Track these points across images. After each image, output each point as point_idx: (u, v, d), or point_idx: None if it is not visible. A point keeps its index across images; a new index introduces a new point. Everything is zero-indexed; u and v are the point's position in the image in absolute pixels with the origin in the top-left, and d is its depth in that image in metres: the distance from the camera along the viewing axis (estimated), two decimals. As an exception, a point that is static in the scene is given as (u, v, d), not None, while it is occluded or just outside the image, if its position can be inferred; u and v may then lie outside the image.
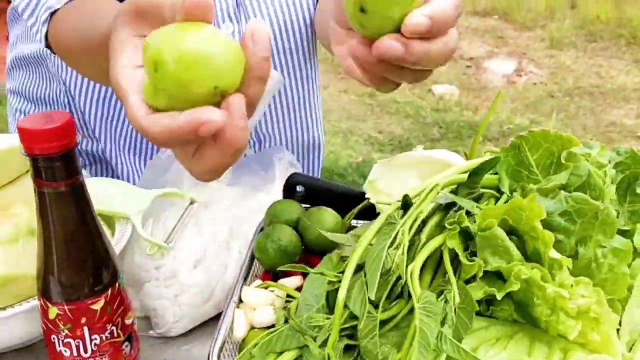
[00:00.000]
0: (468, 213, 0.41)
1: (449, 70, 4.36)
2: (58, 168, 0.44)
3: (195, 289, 0.62)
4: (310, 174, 0.93)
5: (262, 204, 0.65)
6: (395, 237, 0.39)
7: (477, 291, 0.40)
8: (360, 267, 0.42)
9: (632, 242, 0.47)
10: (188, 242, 0.63)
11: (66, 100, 0.85)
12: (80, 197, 0.47)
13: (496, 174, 0.49)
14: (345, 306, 0.39)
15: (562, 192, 0.43)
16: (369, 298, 0.38)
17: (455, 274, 0.40)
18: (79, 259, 0.47)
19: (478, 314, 0.42)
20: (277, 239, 0.55)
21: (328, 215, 0.57)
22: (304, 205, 0.62)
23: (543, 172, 0.47)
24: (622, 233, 0.48)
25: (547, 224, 0.42)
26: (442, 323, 0.36)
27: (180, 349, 0.62)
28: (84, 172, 0.67)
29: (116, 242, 0.60)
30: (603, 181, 0.46)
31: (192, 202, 0.66)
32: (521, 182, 0.47)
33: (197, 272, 0.63)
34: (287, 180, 0.64)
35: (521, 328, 0.41)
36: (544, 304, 0.40)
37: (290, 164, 0.75)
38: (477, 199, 0.45)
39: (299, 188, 0.64)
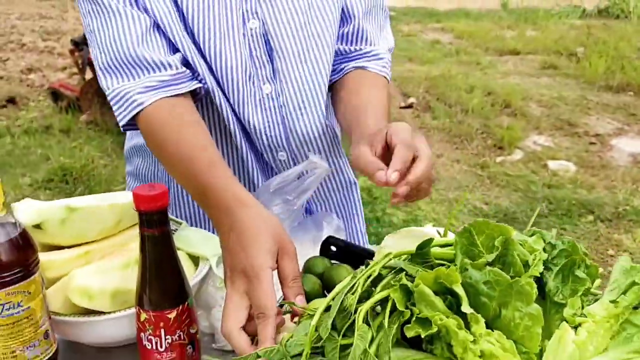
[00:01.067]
0: (413, 276, 0.58)
1: (571, 146, 4.30)
2: (154, 221, 0.68)
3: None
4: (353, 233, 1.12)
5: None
6: (353, 286, 0.57)
7: (410, 330, 0.56)
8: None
9: (562, 311, 0.61)
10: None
11: (166, 178, 1.09)
12: (167, 241, 0.70)
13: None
14: (317, 330, 0.57)
15: (487, 267, 0.58)
16: (331, 326, 0.56)
17: (398, 318, 0.57)
18: (162, 282, 0.71)
19: (419, 349, 0.58)
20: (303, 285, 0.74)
21: (343, 270, 0.75)
22: (333, 262, 0.81)
23: (487, 251, 0.63)
24: (559, 305, 0.62)
25: (474, 289, 0.58)
26: (370, 345, 0.53)
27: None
28: (185, 223, 0.93)
29: (197, 274, 0.84)
30: (528, 262, 0.60)
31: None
32: (472, 257, 0.63)
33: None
34: (323, 242, 0.84)
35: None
36: (458, 345, 0.55)
37: (337, 227, 0.95)
38: (431, 267, 0.62)
39: (333, 248, 0.84)
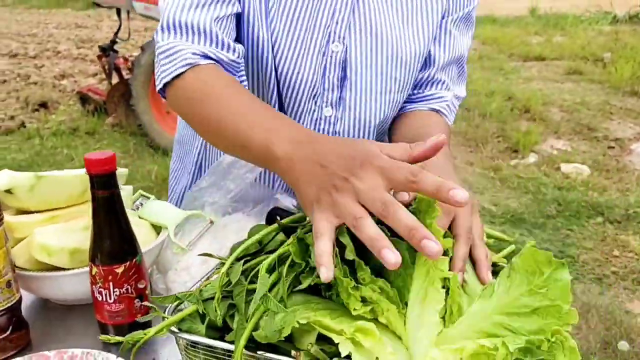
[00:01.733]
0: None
1: (588, 149, 4.26)
2: (103, 182, 0.76)
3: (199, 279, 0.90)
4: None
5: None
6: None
7: (305, 280, 0.62)
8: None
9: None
10: (201, 248, 0.92)
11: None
12: (115, 201, 0.78)
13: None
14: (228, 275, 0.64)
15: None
16: (241, 273, 0.63)
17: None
18: (111, 239, 0.78)
19: (320, 296, 0.64)
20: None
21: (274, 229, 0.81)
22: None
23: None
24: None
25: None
26: (270, 290, 0.59)
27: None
28: (153, 197, 1.01)
29: (157, 240, 0.91)
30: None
31: (211, 222, 0.95)
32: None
33: (203, 268, 0.91)
34: (269, 212, 0.90)
35: (340, 307, 0.62)
36: (343, 291, 0.60)
37: (290, 204, 1.01)
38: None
39: (278, 218, 0.90)
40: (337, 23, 0.91)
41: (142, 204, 1.03)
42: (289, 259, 0.63)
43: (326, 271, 0.54)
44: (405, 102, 1.05)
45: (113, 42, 4.95)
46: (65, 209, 0.90)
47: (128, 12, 4.81)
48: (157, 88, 0.88)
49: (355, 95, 0.96)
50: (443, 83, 1.03)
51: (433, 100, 1.04)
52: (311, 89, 0.95)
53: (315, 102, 0.96)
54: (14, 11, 13.84)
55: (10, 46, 8.74)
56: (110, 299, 0.79)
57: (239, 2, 0.89)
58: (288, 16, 0.90)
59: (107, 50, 4.98)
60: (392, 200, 0.53)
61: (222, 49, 0.85)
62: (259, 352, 0.58)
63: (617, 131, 4.65)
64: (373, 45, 0.93)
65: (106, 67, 5.05)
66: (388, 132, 1.09)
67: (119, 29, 4.92)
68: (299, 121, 0.98)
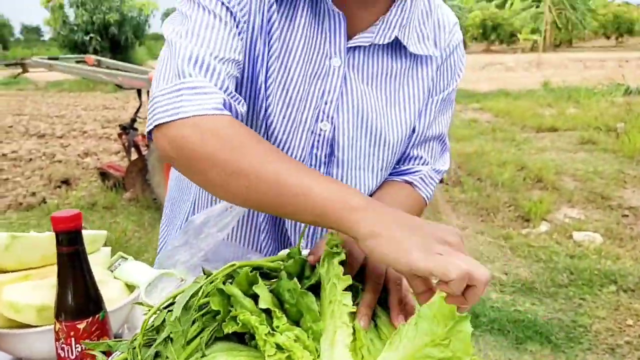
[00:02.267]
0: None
1: (601, 218, 4.21)
2: (68, 239, 0.80)
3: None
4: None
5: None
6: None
7: (226, 327, 0.64)
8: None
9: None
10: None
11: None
12: (79, 258, 0.81)
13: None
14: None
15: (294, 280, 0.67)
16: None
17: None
18: (74, 295, 0.81)
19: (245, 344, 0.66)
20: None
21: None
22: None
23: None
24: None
25: (283, 296, 0.66)
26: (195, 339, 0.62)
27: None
28: (131, 258, 1.04)
29: (128, 300, 0.94)
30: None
31: (182, 280, 0.98)
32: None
33: (170, 327, 0.92)
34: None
35: (261, 355, 0.63)
36: (259, 338, 0.61)
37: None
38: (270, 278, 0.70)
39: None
40: (326, 103, 0.95)
41: (119, 265, 1.06)
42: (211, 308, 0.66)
43: None
44: None
45: (133, 120, 5.17)
46: (40, 268, 0.94)
47: (148, 92, 5.05)
48: (162, 121, 0.78)
49: (342, 171, 0.99)
50: (420, 158, 1.07)
51: (408, 173, 1.07)
52: None
53: None
54: (46, 94, 14.58)
55: (39, 127, 9.14)
56: (72, 355, 0.81)
57: (243, 73, 0.91)
58: (283, 93, 0.93)
59: (128, 129, 5.19)
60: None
61: (239, 103, 0.84)
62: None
63: (631, 199, 4.60)
64: (359, 126, 0.97)
65: (126, 144, 5.24)
66: None
67: (139, 108, 5.15)
68: None
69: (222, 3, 0.86)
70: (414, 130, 1.04)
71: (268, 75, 0.92)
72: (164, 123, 0.78)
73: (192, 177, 0.81)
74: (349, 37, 0.94)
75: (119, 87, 5.32)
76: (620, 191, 4.83)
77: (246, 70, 0.92)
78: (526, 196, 4.74)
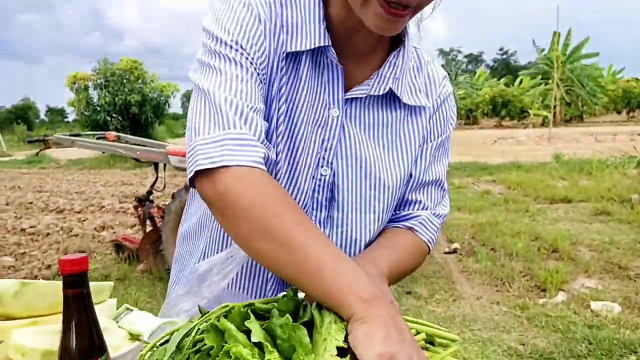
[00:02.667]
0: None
1: (619, 288, 4.13)
2: (73, 282, 0.83)
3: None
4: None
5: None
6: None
7: None
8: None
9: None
10: (171, 354, 0.95)
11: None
12: (84, 301, 0.84)
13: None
14: None
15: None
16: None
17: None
18: (78, 338, 0.83)
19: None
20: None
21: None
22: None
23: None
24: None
25: (275, 332, 0.68)
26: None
27: None
28: (135, 309, 1.06)
29: (131, 347, 0.95)
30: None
31: (184, 330, 0.99)
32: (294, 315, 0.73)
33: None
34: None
35: None
36: None
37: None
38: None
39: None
40: (326, 150, 1.01)
41: (124, 316, 1.08)
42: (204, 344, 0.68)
43: None
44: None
45: (149, 192, 5.28)
46: (48, 316, 0.96)
47: (165, 166, 5.18)
48: (204, 167, 0.83)
49: (341, 214, 1.03)
50: (419, 203, 1.11)
51: (408, 219, 1.11)
52: (302, 208, 1.02)
53: None
54: (67, 172, 14.96)
55: (58, 202, 9.33)
56: (72, 397, 0.82)
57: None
58: (288, 140, 0.99)
59: (143, 201, 5.29)
60: None
61: (271, 151, 0.92)
62: None
63: (651, 269, 4.52)
64: (357, 171, 1.03)
65: (141, 216, 5.32)
66: None
67: (155, 181, 5.28)
68: None
69: (247, 57, 0.93)
70: (411, 175, 1.09)
71: (278, 123, 0.98)
72: (206, 169, 0.84)
73: (224, 223, 0.86)
74: (347, 90, 1.01)
75: (137, 161, 5.48)
76: (637, 261, 4.75)
77: None
78: (541, 266, 4.67)
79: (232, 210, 0.82)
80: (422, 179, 1.09)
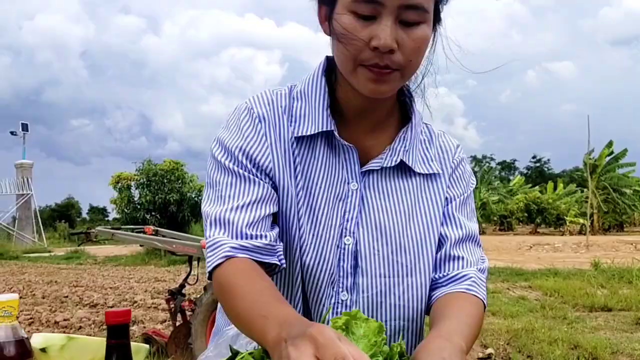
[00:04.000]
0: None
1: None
2: (116, 331, 0.92)
3: None
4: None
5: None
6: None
7: None
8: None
9: None
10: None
11: None
12: (125, 352, 0.92)
13: None
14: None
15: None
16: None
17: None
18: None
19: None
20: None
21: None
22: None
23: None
24: None
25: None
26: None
27: None
28: None
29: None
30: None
31: (211, 390, 1.05)
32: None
33: None
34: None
35: None
36: None
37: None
38: None
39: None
40: (347, 221, 1.11)
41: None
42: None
43: None
44: (434, 289, 1.14)
45: (182, 286, 5.36)
46: (88, 371, 1.04)
47: (199, 260, 5.30)
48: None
49: (367, 280, 1.11)
50: (462, 259, 1.14)
51: (458, 280, 1.13)
52: (329, 277, 1.10)
53: (333, 288, 1.11)
54: (103, 268, 15.23)
55: (92, 297, 9.46)
56: None
57: (279, 202, 1.10)
58: (311, 216, 1.10)
59: (176, 294, 5.36)
60: None
61: (257, 239, 1.02)
62: None
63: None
64: (378, 237, 1.11)
65: (173, 309, 5.37)
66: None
67: (188, 274, 5.37)
68: (320, 304, 1.12)
69: (244, 152, 1.08)
70: (446, 236, 1.14)
71: (298, 203, 1.10)
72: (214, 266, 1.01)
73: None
74: (362, 164, 1.13)
75: (172, 254, 5.62)
76: (683, 372, 4.49)
77: (280, 204, 1.11)
78: (581, 375, 4.46)
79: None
80: (458, 236, 1.15)
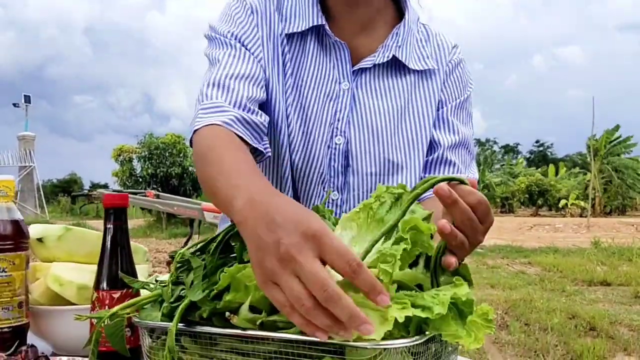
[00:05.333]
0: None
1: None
2: (113, 215, 0.91)
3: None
4: None
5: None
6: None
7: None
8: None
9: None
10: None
11: None
12: (121, 234, 0.91)
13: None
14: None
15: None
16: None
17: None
18: (112, 266, 0.89)
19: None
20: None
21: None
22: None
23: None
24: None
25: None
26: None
27: None
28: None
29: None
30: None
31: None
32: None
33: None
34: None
35: None
36: None
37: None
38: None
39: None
40: (339, 120, 1.10)
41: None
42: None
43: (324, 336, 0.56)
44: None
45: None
46: (85, 264, 1.03)
47: (199, 222, 5.32)
48: (191, 132, 0.95)
49: (357, 179, 1.10)
50: (454, 165, 1.13)
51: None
52: (320, 176, 1.11)
53: (324, 188, 1.11)
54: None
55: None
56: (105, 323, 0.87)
57: (267, 96, 1.07)
58: (301, 114, 1.10)
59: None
60: (334, 290, 0.53)
61: (255, 114, 0.98)
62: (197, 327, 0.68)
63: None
64: (369, 137, 1.10)
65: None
66: None
67: (189, 237, 5.39)
68: (310, 204, 1.11)
69: (236, 37, 1.07)
70: (438, 141, 1.13)
71: (287, 101, 1.08)
72: (193, 133, 0.95)
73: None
74: (354, 64, 1.11)
75: (173, 216, 5.63)
76: (682, 342, 4.51)
77: (269, 102, 1.08)
78: (578, 342, 4.48)
79: (195, 156, 0.92)
80: (451, 141, 1.13)
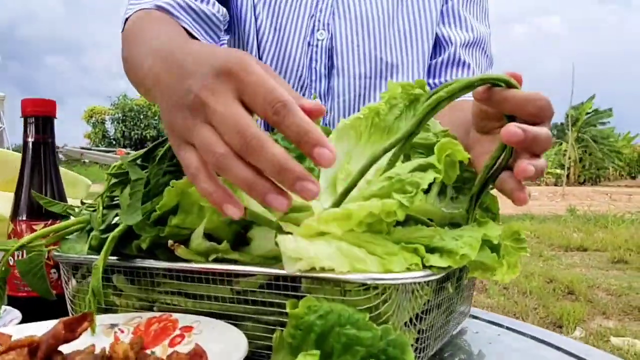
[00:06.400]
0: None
1: (639, 329, 3.89)
2: (35, 126, 0.71)
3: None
4: None
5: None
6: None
7: None
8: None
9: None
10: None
11: None
12: (46, 152, 0.72)
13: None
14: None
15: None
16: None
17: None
18: (33, 192, 0.70)
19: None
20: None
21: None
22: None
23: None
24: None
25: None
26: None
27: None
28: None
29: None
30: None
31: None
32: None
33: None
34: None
35: None
36: None
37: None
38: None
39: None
40: (320, 11, 0.90)
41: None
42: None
43: (234, 209, 0.40)
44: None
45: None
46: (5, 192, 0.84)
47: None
48: (126, 16, 0.79)
49: (343, 82, 0.92)
50: (467, 66, 0.93)
51: None
52: (298, 81, 0.91)
53: (304, 95, 0.92)
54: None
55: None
56: (22, 256, 0.68)
57: None
58: (273, 5, 0.90)
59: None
60: (254, 133, 0.38)
61: (203, 3, 0.81)
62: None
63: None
64: (359, 29, 0.91)
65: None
66: None
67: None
68: None
69: None
70: (449, 39, 0.93)
71: None
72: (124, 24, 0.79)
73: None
74: None
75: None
76: (658, 306, 4.50)
77: None
78: (557, 305, 4.44)
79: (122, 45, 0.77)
80: (465, 39, 0.93)
